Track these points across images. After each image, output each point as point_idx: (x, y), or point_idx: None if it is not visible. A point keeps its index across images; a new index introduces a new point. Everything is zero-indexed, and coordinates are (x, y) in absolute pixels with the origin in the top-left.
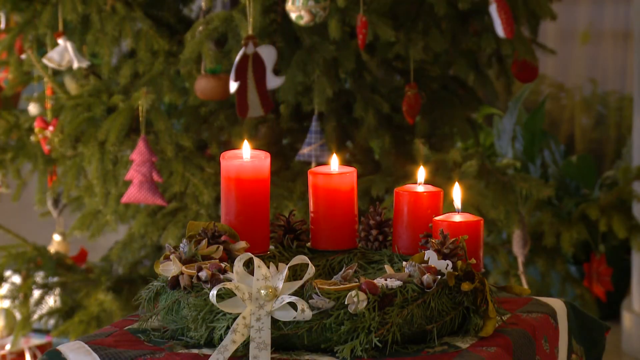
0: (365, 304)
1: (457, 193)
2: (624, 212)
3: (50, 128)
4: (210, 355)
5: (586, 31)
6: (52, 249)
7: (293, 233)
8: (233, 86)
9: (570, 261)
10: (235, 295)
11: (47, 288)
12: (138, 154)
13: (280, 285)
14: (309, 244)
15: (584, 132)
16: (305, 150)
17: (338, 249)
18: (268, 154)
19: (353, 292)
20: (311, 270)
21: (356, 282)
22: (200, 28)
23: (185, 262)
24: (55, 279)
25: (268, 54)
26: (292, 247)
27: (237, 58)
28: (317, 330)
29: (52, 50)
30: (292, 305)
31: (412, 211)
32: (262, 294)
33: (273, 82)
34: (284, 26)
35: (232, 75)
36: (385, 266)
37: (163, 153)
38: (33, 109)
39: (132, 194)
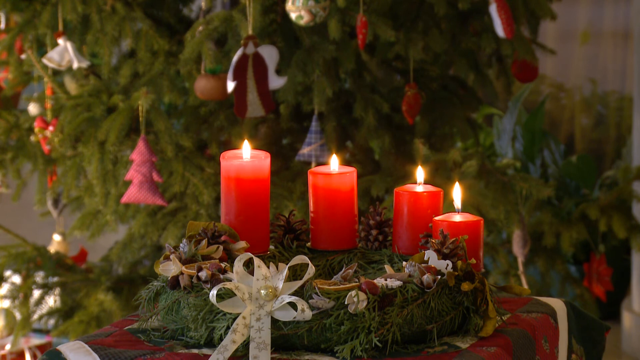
0: (365, 304)
1: (457, 193)
2: (624, 212)
3: (50, 128)
4: (210, 355)
5: (586, 31)
6: (52, 249)
7: (293, 233)
8: (230, 86)
9: (570, 261)
10: (235, 295)
11: (47, 288)
12: (138, 154)
13: (280, 285)
14: (309, 244)
15: (584, 132)
16: (305, 150)
17: (338, 249)
18: (268, 154)
19: (353, 292)
20: (311, 270)
21: (356, 282)
22: (200, 28)
23: (185, 262)
24: (55, 279)
25: (269, 54)
26: (292, 247)
27: (235, 58)
28: (317, 330)
29: (52, 50)
30: (292, 305)
31: (412, 211)
32: (262, 294)
33: (275, 82)
34: (284, 26)
35: (230, 75)
36: (385, 266)
37: (163, 153)
38: (33, 109)
39: (132, 194)
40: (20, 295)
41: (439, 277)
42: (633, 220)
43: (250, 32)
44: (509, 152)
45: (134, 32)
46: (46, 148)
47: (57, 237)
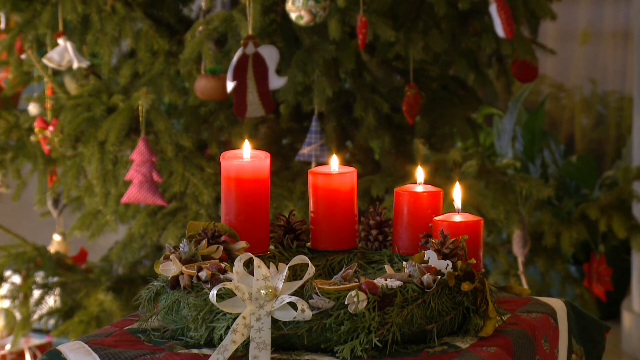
0: (365, 304)
1: (457, 193)
2: (624, 212)
3: (50, 128)
4: (210, 355)
5: (586, 31)
6: (52, 249)
7: (293, 233)
8: (230, 86)
9: (570, 261)
10: (235, 295)
11: (47, 288)
12: (138, 154)
13: (280, 285)
14: (309, 244)
15: (584, 132)
16: (305, 150)
17: (338, 249)
18: (268, 154)
19: (353, 292)
20: (311, 270)
21: (356, 282)
22: (200, 28)
23: (185, 262)
24: (55, 279)
25: (270, 54)
26: (292, 247)
27: (235, 58)
28: (317, 330)
29: (52, 50)
30: (292, 305)
31: (412, 211)
32: (262, 294)
33: (276, 82)
34: (284, 26)
35: (230, 75)
36: (385, 266)
37: (163, 153)
38: (33, 109)
39: (132, 194)
40: (20, 295)
41: (439, 277)
42: (633, 220)
43: (250, 32)
44: (509, 152)
45: (134, 32)
46: (46, 148)
47: (57, 237)
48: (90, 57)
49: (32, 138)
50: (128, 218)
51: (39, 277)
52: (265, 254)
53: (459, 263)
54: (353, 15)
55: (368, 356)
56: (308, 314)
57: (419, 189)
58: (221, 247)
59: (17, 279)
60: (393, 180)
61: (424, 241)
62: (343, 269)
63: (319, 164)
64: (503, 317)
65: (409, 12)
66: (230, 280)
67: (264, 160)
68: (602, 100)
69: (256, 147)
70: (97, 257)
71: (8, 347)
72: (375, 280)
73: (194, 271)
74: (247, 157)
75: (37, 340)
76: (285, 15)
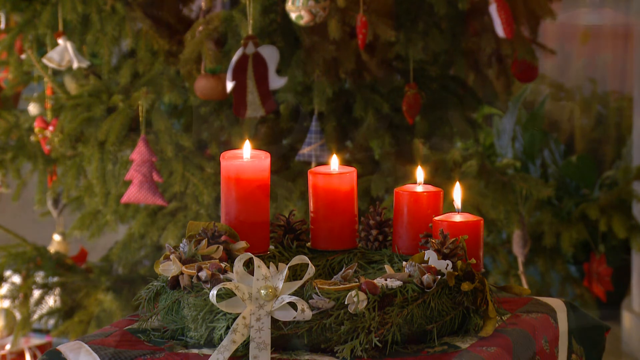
0: (365, 304)
1: (457, 193)
2: (624, 212)
3: (50, 128)
4: (210, 355)
5: (586, 31)
6: (52, 249)
7: (293, 233)
8: (230, 86)
9: (570, 261)
10: (235, 295)
11: (47, 288)
12: (138, 154)
13: (280, 285)
14: (309, 244)
15: (584, 132)
16: (305, 150)
17: (338, 249)
18: (268, 154)
19: (353, 292)
20: (311, 270)
21: (356, 282)
22: (200, 28)
23: (185, 262)
24: (55, 279)
25: (270, 54)
26: (292, 247)
27: (235, 58)
28: (317, 330)
29: (52, 50)
30: (292, 305)
31: (412, 211)
32: (262, 294)
33: (276, 82)
34: (284, 26)
35: (229, 75)
36: (385, 266)
37: (163, 153)
38: (33, 109)
39: (132, 194)
40: (20, 295)
41: (439, 277)
42: (633, 220)
43: (250, 32)
44: (509, 152)
45: (134, 32)
46: (46, 148)
47: (57, 237)
48: (90, 57)
49: (32, 138)
50: (128, 218)
51: (39, 277)
52: (265, 254)
53: (459, 263)
54: (353, 15)
55: (368, 356)
56: (308, 314)
57: (419, 189)
58: (221, 247)
59: (17, 279)
60: (393, 180)
61: (424, 241)
62: (343, 269)
63: (319, 164)
64: (503, 317)
65: (409, 12)
66: (230, 280)
67: (264, 160)
68: (602, 100)
69: (256, 147)
70: (97, 257)
71: (8, 347)
72: (375, 280)
73: (194, 271)
74: (247, 157)
75: (37, 340)
76: (285, 15)
